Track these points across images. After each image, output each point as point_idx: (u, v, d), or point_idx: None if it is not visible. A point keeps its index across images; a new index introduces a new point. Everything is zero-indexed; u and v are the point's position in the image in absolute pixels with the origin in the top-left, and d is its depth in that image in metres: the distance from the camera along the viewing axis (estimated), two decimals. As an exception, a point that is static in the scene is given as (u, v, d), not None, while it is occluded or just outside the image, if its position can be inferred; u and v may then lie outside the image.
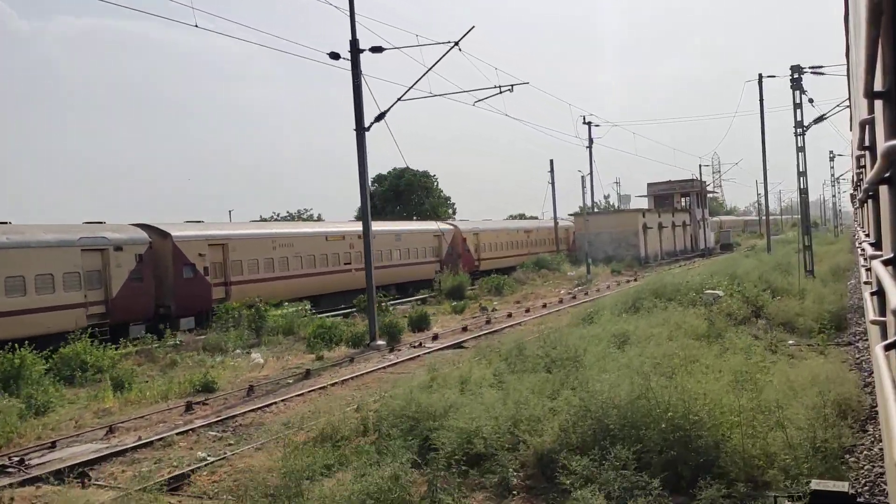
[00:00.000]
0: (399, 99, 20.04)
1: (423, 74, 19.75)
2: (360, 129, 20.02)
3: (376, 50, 19.93)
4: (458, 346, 20.21)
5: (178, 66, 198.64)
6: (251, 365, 18.91)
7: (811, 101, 27.42)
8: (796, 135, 27.45)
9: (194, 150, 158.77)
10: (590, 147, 59.96)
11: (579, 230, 55.47)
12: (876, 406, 9.22)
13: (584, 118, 59.65)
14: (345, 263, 33.96)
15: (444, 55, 19.47)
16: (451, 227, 44.03)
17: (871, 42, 2.29)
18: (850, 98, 13.21)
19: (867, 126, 3.69)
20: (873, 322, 4.31)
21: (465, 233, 44.86)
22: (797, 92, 27.35)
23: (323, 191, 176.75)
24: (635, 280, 42.87)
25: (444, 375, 13.06)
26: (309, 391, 14.61)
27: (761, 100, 45.02)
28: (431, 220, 45.91)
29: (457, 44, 19.20)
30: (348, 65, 19.75)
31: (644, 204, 77.37)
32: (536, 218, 72.75)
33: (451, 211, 66.22)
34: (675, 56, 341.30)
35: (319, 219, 74.33)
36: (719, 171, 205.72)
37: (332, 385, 15.08)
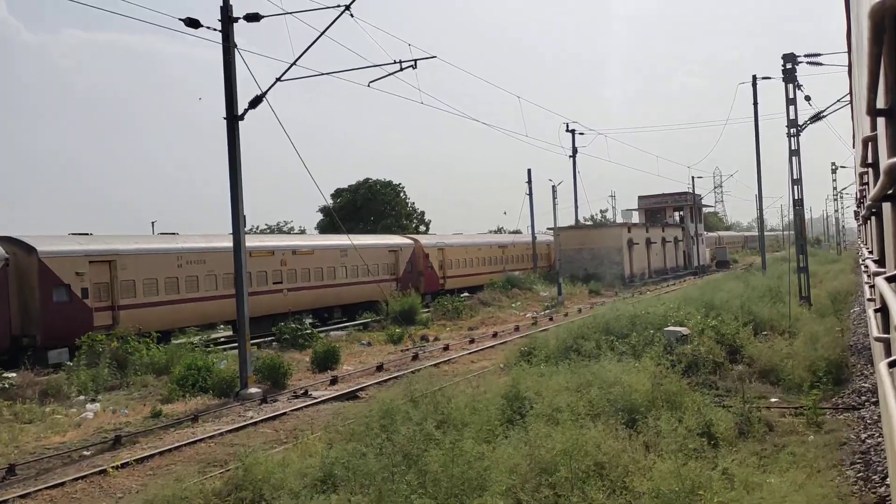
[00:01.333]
0: (279, 79, 15.83)
1: (312, 44, 15.60)
2: (232, 118, 15.79)
3: (252, 18, 15.75)
4: (353, 395, 15.88)
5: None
6: (78, 420, 14.60)
7: (808, 98, 23.21)
8: (790, 135, 23.20)
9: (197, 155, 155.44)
10: (573, 157, 56.02)
11: (559, 245, 51.16)
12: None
13: (567, 125, 56.07)
14: (273, 283, 29.67)
15: (334, 20, 15.32)
16: (411, 241, 39.73)
17: (874, 60, 2.32)
18: (852, 115, 12.75)
19: (870, 143, 3.79)
20: (877, 339, 4.40)
21: (427, 248, 40.56)
22: (790, 85, 23.14)
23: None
24: (623, 299, 38.60)
25: (250, 465, 8.76)
26: (78, 477, 10.27)
27: (755, 103, 40.91)
28: (388, 234, 41.60)
29: (348, 8, 15.01)
30: (217, 36, 15.54)
31: (636, 218, 73.16)
32: (520, 232, 68.53)
33: (423, 227, 61.70)
34: (679, 73, 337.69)
35: (302, 231, 70.07)
36: (721, 186, 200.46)
37: (121, 467, 10.71)
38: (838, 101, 22.41)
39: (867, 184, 5.56)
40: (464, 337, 26.16)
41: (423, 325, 30.41)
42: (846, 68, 14.61)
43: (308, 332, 24.89)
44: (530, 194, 49.89)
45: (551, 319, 30.09)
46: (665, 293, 35.47)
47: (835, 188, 62.48)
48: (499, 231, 72.27)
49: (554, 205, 35.66)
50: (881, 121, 2.78)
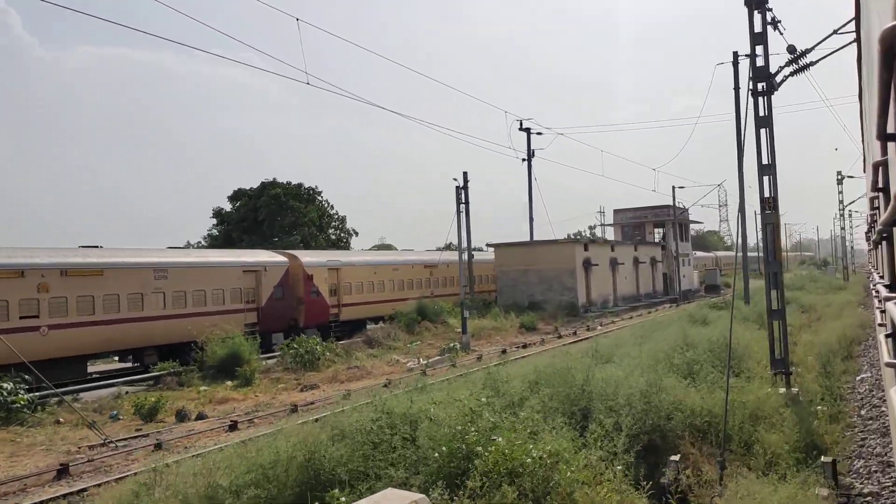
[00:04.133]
0: None
1: None
2: None
3: None
4: None
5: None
6: None
7: (776, 23, 14.10)
8: (755, 93, 14.07)
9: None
10: (528, 160, 47.21)
11: (499, 266, 41.94)
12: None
13: (521, 123, 47.28)
14: (22, 317, 20.64)
15: None
16: (283, 260, 30.59)
17: (884, 85, 2.30)
18: (863, 140, 12.37)
19: (881, 168, 3.74)
20: (888, 364, 4.28)
21: (310, 268, 31.43)
22: (756, 12, 14.04)
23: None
24: (557, 338, 29.41)
25: None
26: None
27: (736, 88, 31.97)
28: (251, 251, 32.41)
29: None
30: None
31: (612, 236, 63.94)
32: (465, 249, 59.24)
33: (348, 238, 52.36)
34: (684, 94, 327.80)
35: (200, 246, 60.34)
36: (726, 205, 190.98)
37: None
38: (835, 31, 13.28)
39: (878, 208, 5.83)
40: (269, 402, 17.11)
41: (247, 381, 21.30)
42: (857, 93, 13.81)
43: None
44: (466, 203, 40.65)
45: (425, 373, 20.90)
46: (599, 334, 26.25)
47: (841, 202, 53.15)
48: (447, 248, 62.39)
49: (458, 211, 26.52)
50: (892, 146, 2.98)
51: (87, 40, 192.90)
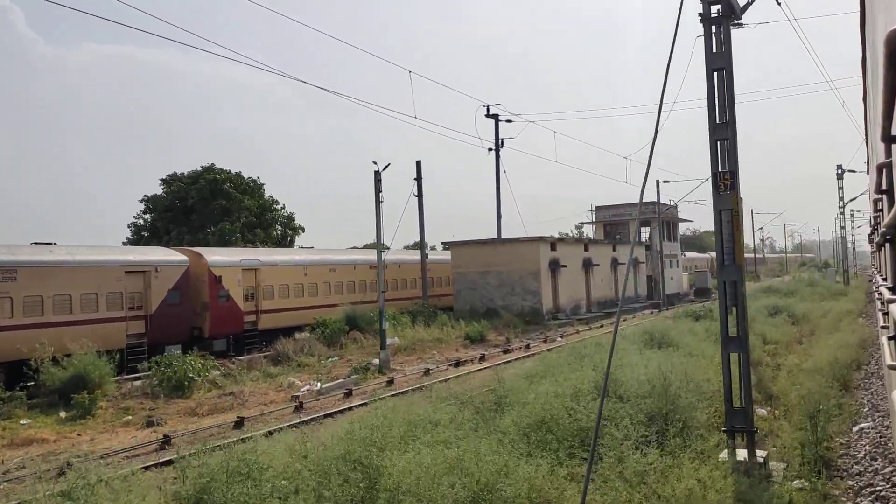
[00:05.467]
0: None
1: None
2: None
3: None
4: None
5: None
6: None
7: None
8: (707, 19, 9.60)
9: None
10: (496, 149, 42.73)
11: (456, 268, 37.43)
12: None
13: (488, 109, 42.74)
14: None
15: None
16: (182, 258, 26.09)
17: (889, 88, 2.29)
18: (867, 142, 12.57)
19: (885, 170, 3.83)
20: (891, 367, 4.25)
21: (219, 268, 26.94)
22: None
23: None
24: (504, 352, 24.94)
25: None
26: None
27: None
28: (140, 247, 27.85)
29: None
30: None
31: (594, 234, 59.43)
32: (435, 247, 54.85)
33: (290, 240, 47.51)
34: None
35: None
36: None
37: None
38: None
39: (881, 210, 5.79)
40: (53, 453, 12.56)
41: (86, 410, 16.84)
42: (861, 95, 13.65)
43: None
44: (419, 195, 36.23)
45: (300, 407, 16.40)
46: (554, 347, 21.72)
47: (841, 198, 48.49)
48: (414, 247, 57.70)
49: (377, 201, 21.91)
50: None
51: (92, 38, 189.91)
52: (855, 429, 11.34)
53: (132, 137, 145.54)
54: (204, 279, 26.44)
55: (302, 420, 14.87)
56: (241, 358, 23.79)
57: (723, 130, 9.65)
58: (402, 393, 15.64)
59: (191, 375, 18.81)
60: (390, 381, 19.27)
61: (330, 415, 15.18)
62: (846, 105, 62.64)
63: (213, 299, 26.56)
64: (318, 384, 19.31)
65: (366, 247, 53.60)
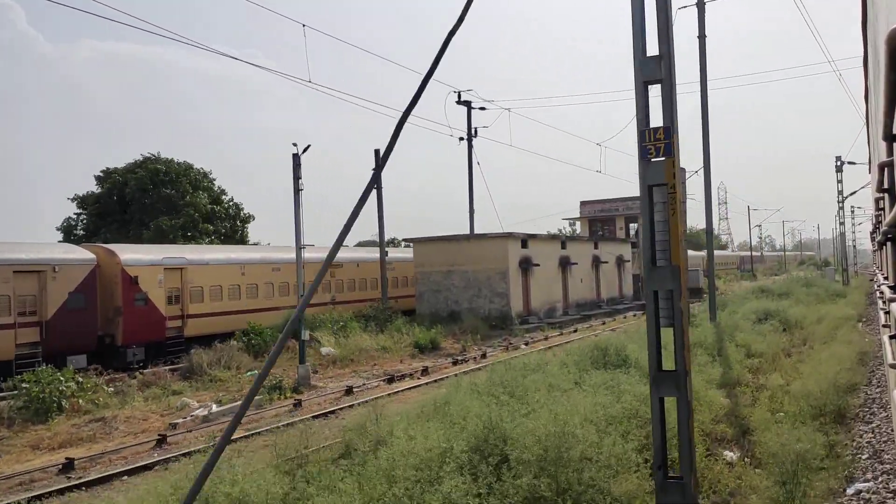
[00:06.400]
0: None
1: None
2: None
3: None
4: None
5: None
6: None
7: None
8: None
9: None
10: (468, 139, 39.62)
11: (419, 266, 34.31)
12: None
13: (460, 95, 39.58)
14: None
15: None
16: (89, 256, 22.97)
17: (891, 86, 2.28)
18: (869, 141, 12.78)
19: (886, 168, 3.77)
20: (892, 366, 4.18)
21: (134, 267, 23.79)
22: None
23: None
24: (454, 363, 21.86)
25: None
26: None
27: (702, 34, 24.36)
28: (35, 243, 24.67)
29: None
30: None
31: (581, 230, 56.39)
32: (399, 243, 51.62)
33: (240, 233, 44.11)
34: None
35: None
36: (726, 203, 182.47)
37: None
38: None
39: (883, 209, 5.64)
40: None
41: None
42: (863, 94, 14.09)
43: None
44: (378, 187, 33.10)
45: (163, 441, 13.29)
46: (517, 356, 18.60)
47: (840, 192, 45.33)
48: (391, 243, 54.06)
49: (296, 189, 18.77)
50: None
51: (93, 35, 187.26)
52: (850, 490, 8.23)
53: (133, 136, 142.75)
54: (116, 280, 23.33)
55: (155, 461, 11.79)
56: (143, 371, 20.67)
57: (653, 67, 6.51)
58: (299, 421, 12.67)
59: (55, 398, 15.68)
60: (297, 404, 16.15)
61: (187, 453, 12.07)
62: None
63: (128, 303, 23.44)
64: (214, 406, 16.22)
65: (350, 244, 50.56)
